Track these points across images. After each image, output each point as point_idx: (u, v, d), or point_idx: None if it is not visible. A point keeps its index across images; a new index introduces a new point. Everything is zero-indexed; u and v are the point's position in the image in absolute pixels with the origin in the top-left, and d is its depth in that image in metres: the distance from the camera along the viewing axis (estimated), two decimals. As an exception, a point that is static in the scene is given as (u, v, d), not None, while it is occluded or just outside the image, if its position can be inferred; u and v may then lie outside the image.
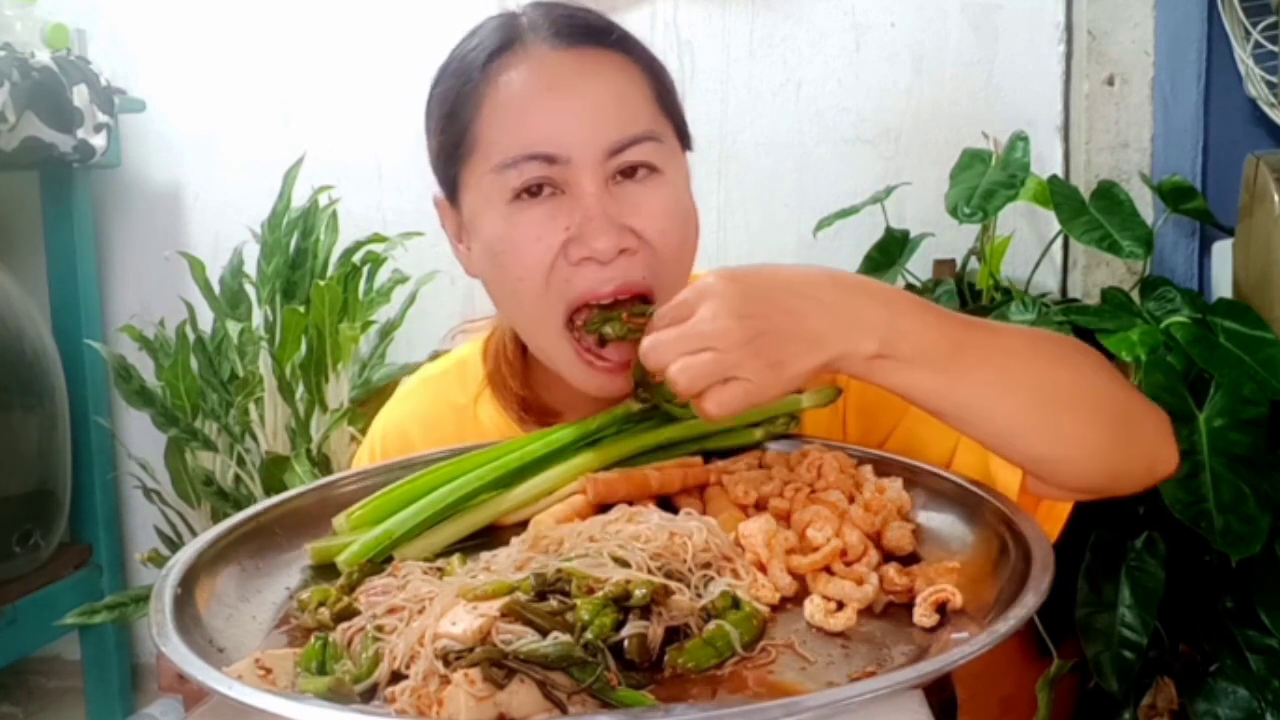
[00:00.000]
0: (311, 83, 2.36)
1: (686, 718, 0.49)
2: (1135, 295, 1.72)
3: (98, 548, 2.39)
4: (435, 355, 1.18)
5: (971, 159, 1.79)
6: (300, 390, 2.06)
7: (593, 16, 0.88)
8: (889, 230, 1.89)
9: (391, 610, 0.60)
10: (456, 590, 0.59)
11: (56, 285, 2.36)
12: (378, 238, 2.19)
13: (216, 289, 2.17)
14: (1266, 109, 1.77)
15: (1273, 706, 1.48)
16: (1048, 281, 1.98)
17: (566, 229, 0.82)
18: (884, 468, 0.78)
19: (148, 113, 2.43)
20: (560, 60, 0.84)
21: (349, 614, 0.62)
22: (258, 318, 2.17)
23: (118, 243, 2.53)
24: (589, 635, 0.54)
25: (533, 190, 0.83)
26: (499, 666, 0.52)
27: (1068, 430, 0.74)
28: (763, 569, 0.66)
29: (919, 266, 1.92)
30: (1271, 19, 1.74)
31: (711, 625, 0.58)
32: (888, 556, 0.69)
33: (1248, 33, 1.76)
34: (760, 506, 0.75)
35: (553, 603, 0.57)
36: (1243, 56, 1.78)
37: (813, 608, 0.62)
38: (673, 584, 0.59)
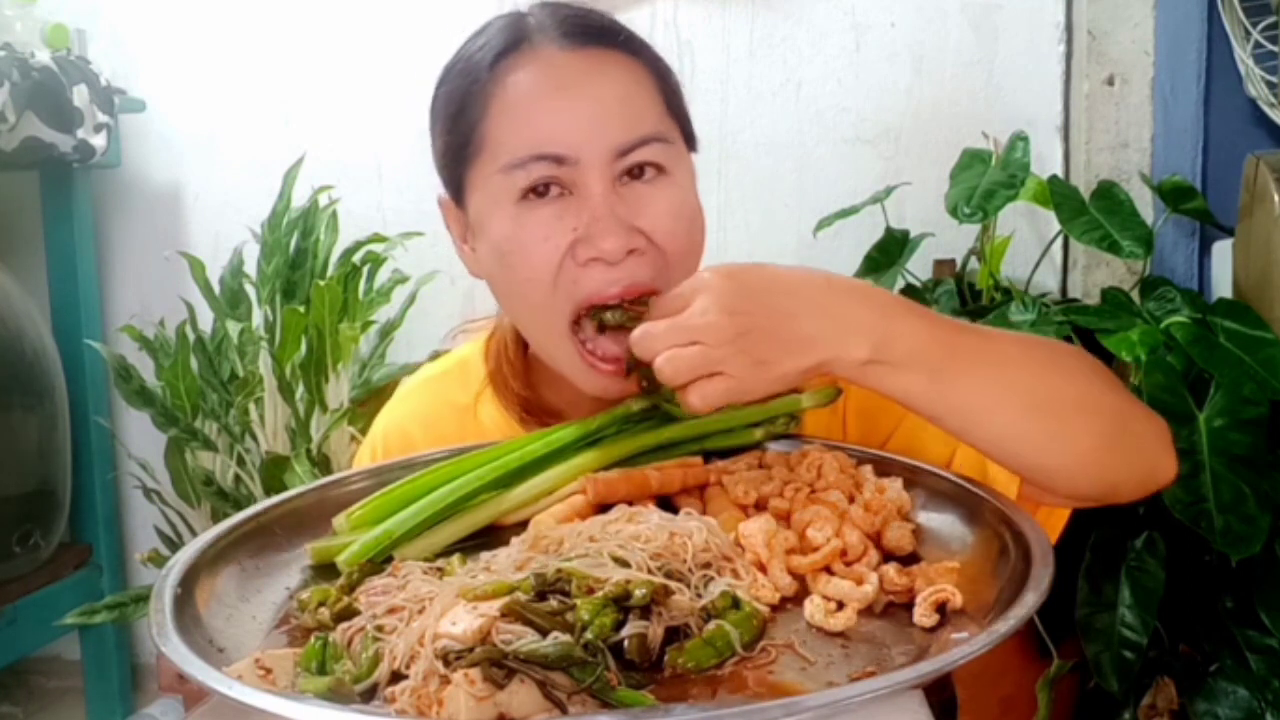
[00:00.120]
0: (311, 83, 2.36)
1: (686, 718, 0.49)
2: (1135, 295, 1.72)
3: (98, 548, 2.39)
4: (435, 355, 1.18)
5: (971, 159, 1.79)
6: (300, 390, 2.06)
7: (600, 17, 0.88)
8: (889, 230, 1.89)
9: (391, 610, 0.60)
10: (456, 590, 0.59)
11: (56, 285, 2.35)
12: (378, 238, 2.19)
13: (216, 289, 2.17)
14: (1266, 109, 1.76)
15: (1273, 706, 1.48)
16: (1048, 281, 1.98)
17: (574, 229, 0.81)
18: (884, 468, 0.78)
19: (148, 113, 2.43)
20: (569, 61, 0.84)
21: (349, 614, 0.62)
22: (258, 318, 2.17)
23: (118, 243, 2.53)
24: (589, 635, 0.54)
25: (540, 190, 0.82)
26: (499, 666, 0.52)
27: (1063, 437, 0.74)
28: (763, 569, 0.66)
29: (919, 266, 1.92)
30: (1271, 19, 1.74)
31: (711, 625, 0.58)
32: (888, 556, 0.69)
33: (1248, 33, 1.76)
34: (760, 506, 0.75)
35: (553, 603, 0.56)
36: (1243, 56, 1.78)
37: (813, 608, 0.62)
38: (673, 584, 0.59)
